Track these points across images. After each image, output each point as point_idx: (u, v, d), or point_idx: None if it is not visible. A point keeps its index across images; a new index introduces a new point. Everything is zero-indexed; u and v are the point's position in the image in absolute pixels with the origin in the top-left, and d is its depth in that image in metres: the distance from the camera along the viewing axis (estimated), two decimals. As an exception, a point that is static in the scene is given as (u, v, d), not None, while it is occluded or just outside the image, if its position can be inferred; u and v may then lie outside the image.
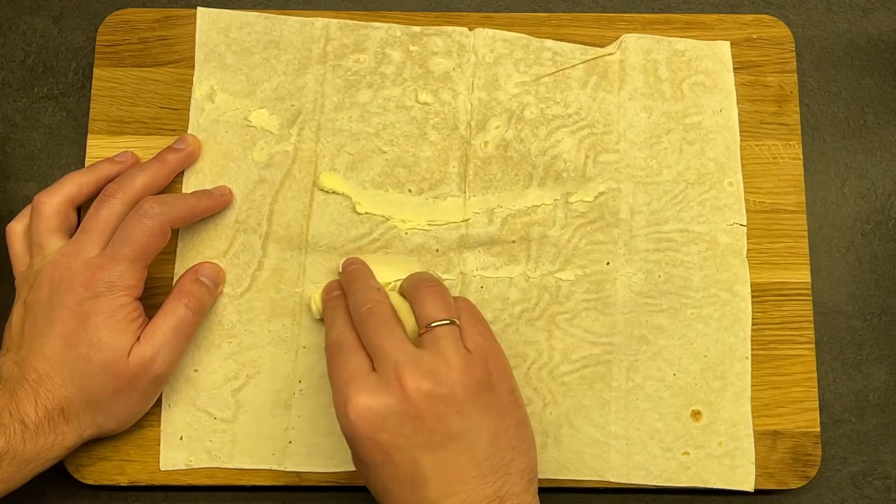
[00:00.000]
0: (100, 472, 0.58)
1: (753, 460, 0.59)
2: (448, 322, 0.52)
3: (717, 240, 0.61)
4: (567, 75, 0.63)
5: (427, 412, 0.49)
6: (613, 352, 0.60)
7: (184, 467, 0.58)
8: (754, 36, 0.64)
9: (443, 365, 0.50)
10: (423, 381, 0.49)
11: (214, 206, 0.61)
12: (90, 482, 0.58)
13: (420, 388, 0.49)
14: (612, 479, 0.58)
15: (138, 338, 0.54)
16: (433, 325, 0.52)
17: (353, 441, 0.50)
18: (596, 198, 0.62)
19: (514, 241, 0.61)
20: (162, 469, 0.58)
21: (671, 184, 0.62)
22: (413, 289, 0.55)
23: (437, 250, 0.61)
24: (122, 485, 0.58)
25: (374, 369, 0.51)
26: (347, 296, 0.56)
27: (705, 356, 0.60)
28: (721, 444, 0.59)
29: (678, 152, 0.62)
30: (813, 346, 0.60)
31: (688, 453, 0.59)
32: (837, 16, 0.67)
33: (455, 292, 0.60)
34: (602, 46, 0.64)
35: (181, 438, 0.59)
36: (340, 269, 0.60)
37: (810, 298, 0.61)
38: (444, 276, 0.60)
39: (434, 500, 0.49)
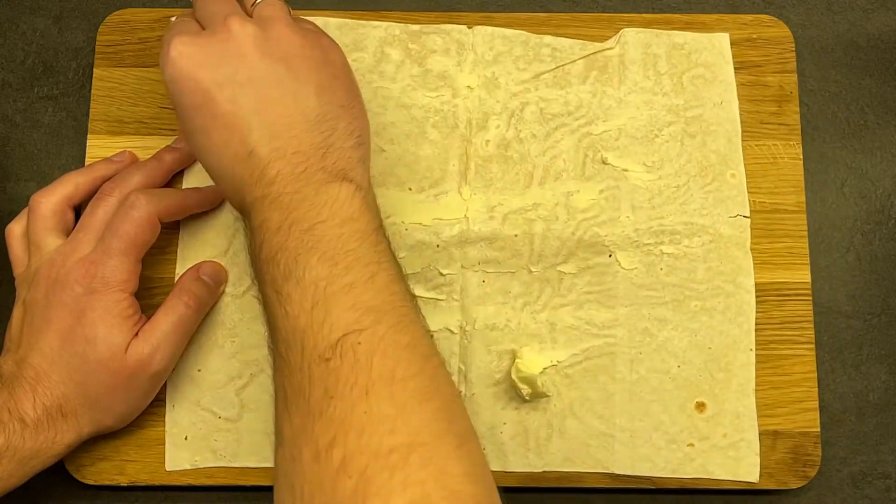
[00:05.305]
0: (100, 472, 0.58)
1: (758, 451, 0.59)
2: None
3: (721, 232, 0.61)
4: (567, 71, 0.64)
5: (252, 52, 0.48)
6: (616, 344, 0.60)
7: (189, 467, 0.58)
8: (754, 36, 0.65)
9: (275, 25, 0.49)
10: (250, 25, 0.49)
11: (204, 201, 0.60)
12: (90, 482, 0.58)
13: (246, 29, 0.48)
14: (617, 471, 0.58)
15: (136, 334, 0.54)
16: (259, 1, 0.51)
17: (173, 83, 0.49)
18: (597, 195, 0.62)
19: (516, 235, 0.61)
20: (168, 469, 0.58)
21: (673, 177, 0.62)
22: None
23: (438, 246, 0.60)
24: (123, 485, 0.58)
25: None
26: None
27: (709, 348, 0.60)
28: (726, 436, 0.59)
29: (679, 145, 0.62)
30: (813, 346, 0.60)
31: (692, 445, 0.59)
32: (837, 16, 0.67)
33: (456, 286, 0.60)
34: (602, 44, 0.64)
35: (186, 438, 0.58)
36: None
37: (810, 298, 0.61)
38: (444, 271, 0.60)
39: (257, 141, 0.48)
